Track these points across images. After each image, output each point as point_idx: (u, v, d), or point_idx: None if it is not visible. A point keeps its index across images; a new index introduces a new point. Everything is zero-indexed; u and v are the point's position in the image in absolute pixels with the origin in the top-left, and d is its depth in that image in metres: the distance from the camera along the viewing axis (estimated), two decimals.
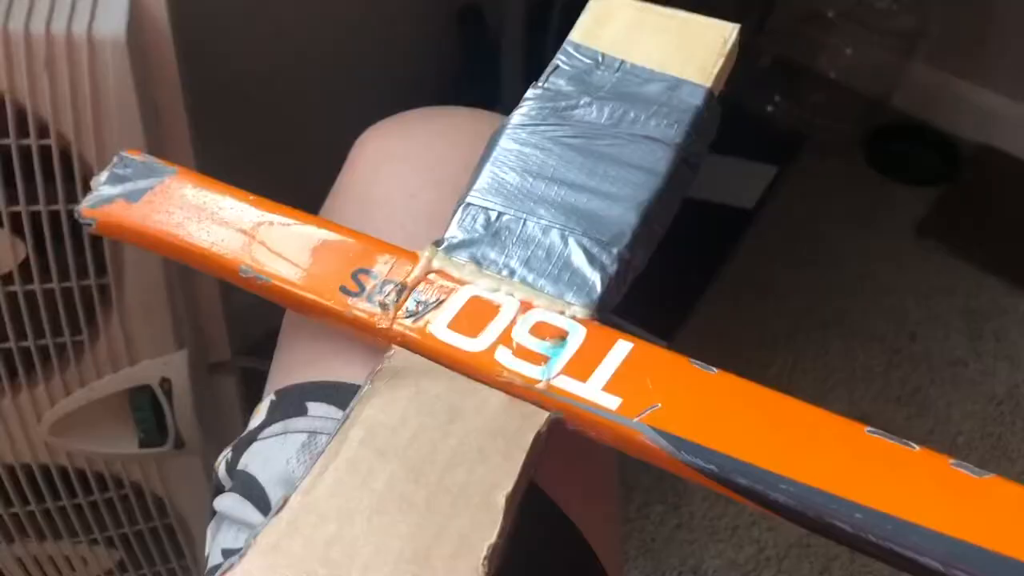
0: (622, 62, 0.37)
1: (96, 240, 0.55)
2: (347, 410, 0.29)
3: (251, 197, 0.35)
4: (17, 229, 0.53)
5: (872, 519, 0.25)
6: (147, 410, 0.61)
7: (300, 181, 0.48)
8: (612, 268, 0.32)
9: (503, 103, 1.13)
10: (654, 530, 1.00)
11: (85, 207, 0.35)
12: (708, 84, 0.36)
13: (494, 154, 0.35)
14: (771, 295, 1.21)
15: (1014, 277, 1.23)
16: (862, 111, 1.43)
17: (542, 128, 0.36)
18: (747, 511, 1.00)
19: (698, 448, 0.28)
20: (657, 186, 0.33)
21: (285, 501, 0.28)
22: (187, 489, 0.68)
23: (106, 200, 0.35)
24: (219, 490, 0.37)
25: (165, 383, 0.60)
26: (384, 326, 0.31)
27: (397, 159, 0.42)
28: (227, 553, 0.34)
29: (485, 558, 0.26)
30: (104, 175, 0.36)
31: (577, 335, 0.31)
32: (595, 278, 0.32)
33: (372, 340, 0.32)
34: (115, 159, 0.37)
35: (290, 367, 0.37)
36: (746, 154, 1.34)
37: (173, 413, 0.62)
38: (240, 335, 0.70)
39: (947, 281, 1.23)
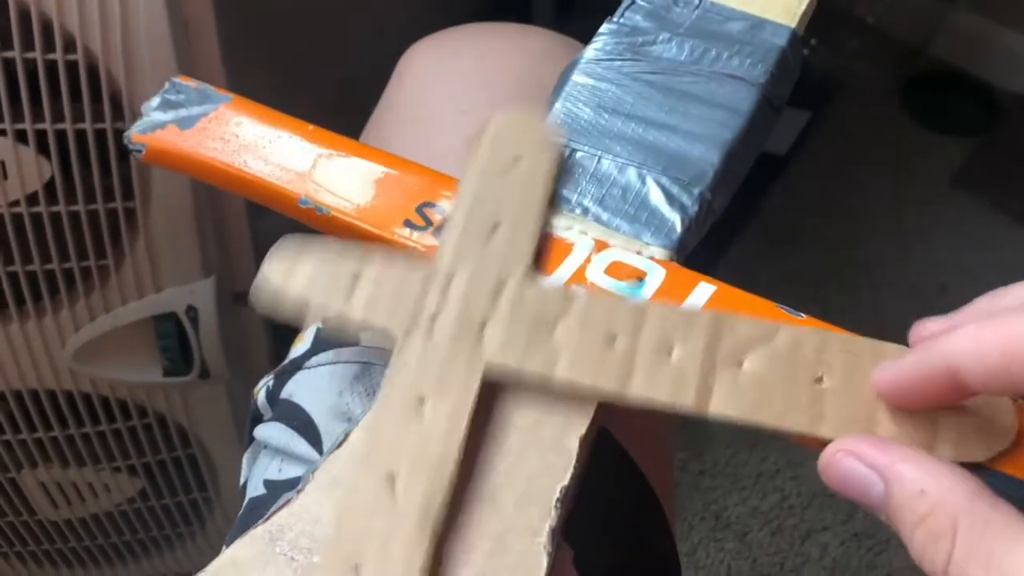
0: (701, 0, 0.36)
1: (123, 162, 0.53)
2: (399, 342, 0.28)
3: (310, 127, 0.34)
4: (43, 148, 0.51)
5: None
6: (172, 338, 0.60)
7: (333, 102, 0.46)
8: (693, 209, 0.30)
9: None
10: (677, 476, 0.99)
11: (135, 132, 0.34)
12: (793, 25, 0.34)
13: (566, 89, 0.34)
14: (802, 243, 1.19)
15: None
16: (900, 57, 1.39)
17: (618, 63, 0.34)
18: (771, 459, 0.99)
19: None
20: (740, 125, 0.32)
21: (346, 436, 0.27)
22: (211, 419, 0.67)
23: (157, 125, 0.34)
24: (257, 418, 0.36)
25: (191, 311, 0.59)
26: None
27: (447, 75, 0.40)
28: (269, 484, 0.33)
29: (558, 500, 0.25)
30: (155, 100, 0.35)
31: (656, 276, 0.30)
32: (675, 219, 0.30)
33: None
34: (167, 84, 0.36)
35: None
36: None
37: (199, 342, 0.61)
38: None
39: (981, 233, 1.20)
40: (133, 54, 0.49)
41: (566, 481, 0.26)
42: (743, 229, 1.18)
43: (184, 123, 0.34)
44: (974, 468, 0.24)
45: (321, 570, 0.25)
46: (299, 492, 0.26)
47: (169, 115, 0.34)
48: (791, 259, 1.16)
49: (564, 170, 0.32)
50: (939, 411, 0.25)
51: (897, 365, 0.24)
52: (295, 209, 0.32)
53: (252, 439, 0.37)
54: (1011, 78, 1.37)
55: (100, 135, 0.51)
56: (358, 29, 1.01)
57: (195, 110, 0.34)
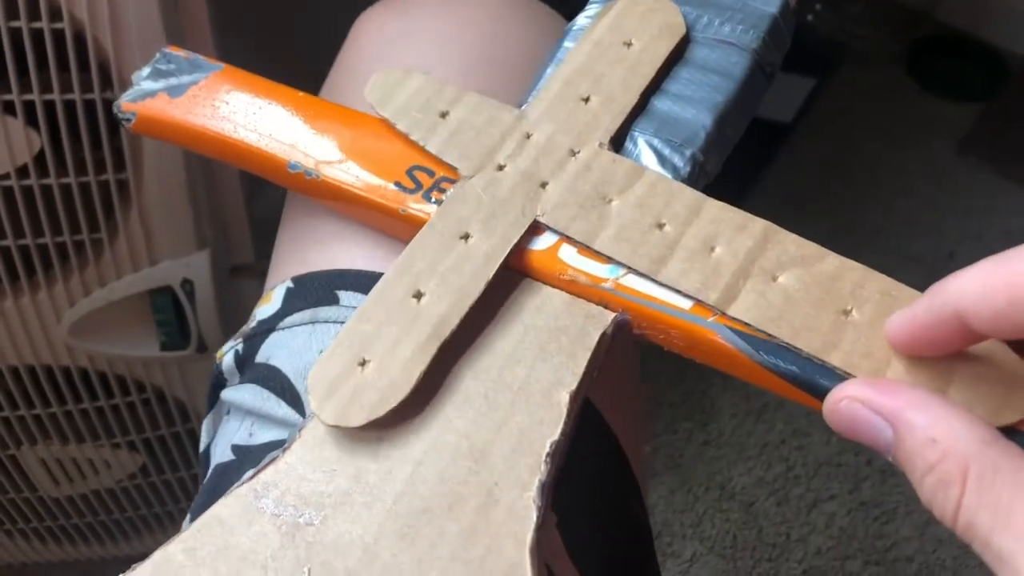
0: None
1: (114, 134, 0.52)
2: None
3: (300, 95, 0.34)
4: (32, 120, 0.50)
5: None
6: (169, 312, 0.60)
7: (324, 69, 0.45)
8: (685, 170, 0.31)
9: None
10: (682, 447, 0.99)
11: (125, 101, 0.34)
12: None
13: (559, 55, 0.34)
14: (807, 210, 1.18)
15: None
16: (906, 22, 1.37)
17: None
18: (777, 429, 0.99)
19: (777, 348, 0.26)
20: (732, 89, 0.32)
21: None
22: None
23: (148, 94, 0.34)
24: (220, 384, 0.35)
25: (187, 284, 0.59)
26: None
27: (402, 36, 0.39)
28: (238, 450, 0.33)
29: (548, 455, 0.25)
30: (146, 70, 0.35)
31: None
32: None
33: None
34: (157, 55, 0.36)
35: (306, 253, 0.35)
36: (783, 65, 1.29)
37: (195, 316, 0.60)
38: (264, 241, 0.68)
39: (988, 200, 1.19)
40: (120, 22, 0.48)
41: (556, 435, 0.26)
42: (748, 196, 1.17)
43: (174, 91, 0.34)
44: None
45: (328, 359, 0.26)
46: (285, 450, 0.26)
47: (160, 84, 0.35)
48: (796, 226, 1.14)
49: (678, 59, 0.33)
50: (955, 365, 0.25)
51: (909, 311, 0.24)
52: (284, 175, 0.32)
53: (214, 404, 0.36)
54: (1019, 42, 1.35)
55: (89, 105, 0.50)
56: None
57: (185, 79, 0.35)
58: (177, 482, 0.72)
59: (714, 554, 0.92)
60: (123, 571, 0.25)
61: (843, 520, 0.93)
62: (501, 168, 0.30)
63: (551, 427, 0.26)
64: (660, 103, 0.32)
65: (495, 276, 0.28)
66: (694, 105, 0.32)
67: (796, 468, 0.97)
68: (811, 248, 0.27)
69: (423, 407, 0.26)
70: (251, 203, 0.63)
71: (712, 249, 0.28)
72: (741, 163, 0.34)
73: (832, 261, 0.27)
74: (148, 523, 0.77)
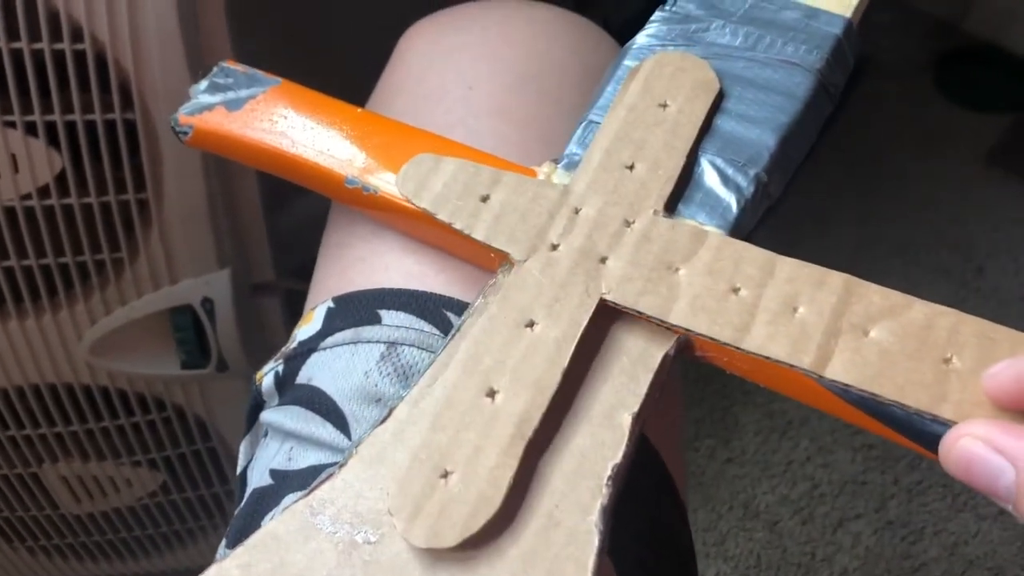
0: None
1: (134, 154, 0.52)
2: (458, 323, 0.28)
3: (357, 111, 0.34)
4: (53, 140, 0.51)
5: None
6: (189, 331, 0.60)
7: (346, 88, 0.45)
8: (749, 190, 0.30)
9: None
10: (704, 464, 0.97)
11: (182, 114, 0.35)
12: (848, 15, 0.34)
13: (618, 73, 0.34)
14: (831, 223, 1.16)
15: None
16: (932, 33, 1.36)
17: (671, 48, 0.34)
18: (802, 447, 0.98)
19: None
20: (796, 110, 0.32)
21: (391, 412, 0.27)
22: (230, 412, 0.67)
23: (205, 107, 0.35)
24: (259, 405, 0.35)
25: (207, 303, 0.59)
26: None
27: (450, 50, 0.39)
28: (277, 475, 0.32)
29: (609, 478, 0.25)
30: (204, 83, 0.36)
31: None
32: (730, 199, 0.30)
33: (483, 255, 0.31)
34: (215, 69, 0.36)
35: (346, 272, 0.35)
36: None
37: (215, 334, 0.60)
38: (285, 260, 0.68)
39: (1018, 212, 1.17)
40: (141, 42, 0.49)
41: (619, 458, 0.25)
42: (772, 210, 1.16)
43: (232, 105, 0.35)
44: None
45: (409, 475, 0.25)
46: (341, 467, 0.26)
47: (217, 98, 0.35)
48: (822, 239, 1.14)
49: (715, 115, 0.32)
50: None
51: (1018, 367, 0.23)
52: (341, 190, 0.33)
53: (252, 425, 0.36)
54: None
55: (110, 126, 0.51)
56: (370, 12, 1.00)
57: (243, 93, 0.35)
58: (197, 500, 0.72)
59: (738, 574, 0.91)
60: None
61: (869, 540, 0.92)
62: (555, 247, 0.29)
63: (613, 450, 0.26)
64: (723, 123, 0.32)
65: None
66: (758, 125, 0.32)
67: (821, 486, 0.95)
68: (897, 297, 0.26)
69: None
70: (270, 220, 0.63)
71: (795, 309, 0.26)
72: None
73: (920, 308, 0.26)
74: (169, 541, 0.77)
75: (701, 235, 0.28)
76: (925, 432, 0.25)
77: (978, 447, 0.22)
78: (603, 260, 0.28)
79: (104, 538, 0.74)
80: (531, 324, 0.27)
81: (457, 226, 0.30)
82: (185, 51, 0.49)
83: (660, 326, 0.28)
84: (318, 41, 0.93)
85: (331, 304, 0.34)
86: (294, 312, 0.67)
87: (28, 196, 0.51)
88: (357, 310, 0.33)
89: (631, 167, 0.30)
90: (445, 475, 0.25)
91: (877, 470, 0.96)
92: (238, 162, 0.36)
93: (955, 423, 0.24)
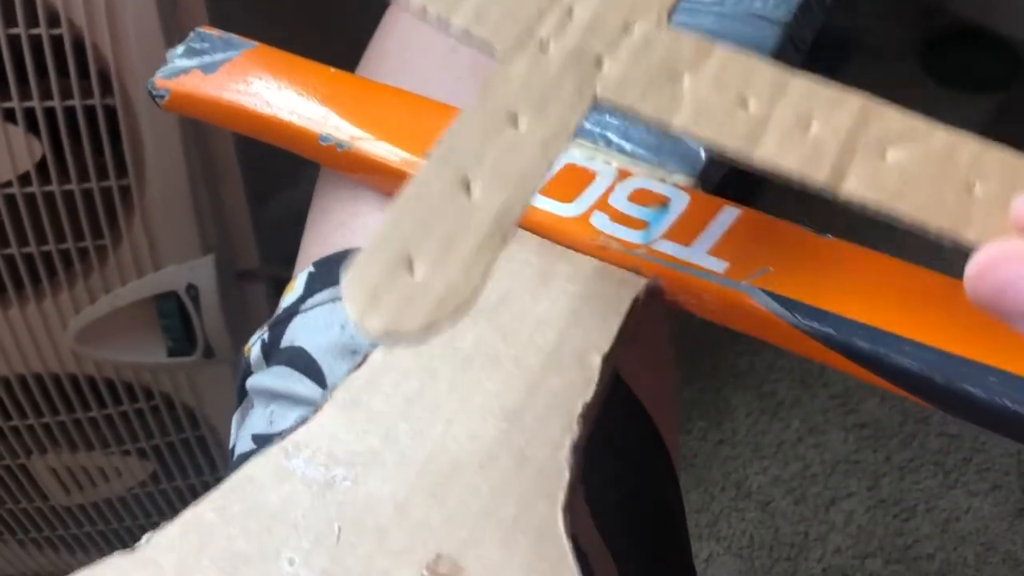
0: None
1: (115, 140, 0.52)
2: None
3: (332, 70, 0.35)
4: (32, 127, 0.50)
5: (1008, 383, 0.24)
6: (174, 318, 0.60)
7: (331, 50, 0.45)
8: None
9: None
10: (696, 446, 0.98)
11: (159, 78, 0.35)
12: None
13: None
14: (820, 206, 1.16)
15: None
16: (918, 14, 1.36)
17: None
18: (793, 427, 0.98)
19: (814, 311, 0.26)
20: None
21: (365, 358, 0.27)
22: (218, 400, 0.67)
23: (181, 71, 0.35)
24: (248, 374, 0.35)
25: (192, 290, 0.59)
26: None
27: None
28: (258, 439, 0.33)
29: (580, 416, 0.25)
30: (180, 48, 0.36)
31: (680, 201, 0.30)
32: (699, 148, 0.31)
33: None
34: (191, 34, 0.37)
35: (326, 237, 0.36)
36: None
37: (201, 321, 0.60)
38: (269, 251, 0.68)
39: None
40: (118, 27, 0.48)
41: (588, 397, 0.26)
42: (760, 194, 1.16)
43: (208, 68, 0.35)
44: None
45: (365, 263, 0.22)
46: (317, 411, 0.26)
47: (193, 61, 0.36)
48: (809, 221, 1.14)
49: None
50: None
51: None
52: (316, 148, 0.33)
53: (243, 397, 0.36)
54: None
55: (90, 111, 0.51)
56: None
57: (219, 56, 0.36)
58: (188, 488, 0.72)
59: (731, 554, 0.91)
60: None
61: (862, 518, 0.92)
62: (544, 46, 0.26)
63: (583, 389, 0.26)
64: None
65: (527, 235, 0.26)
66: None
67: (813, 466, 0.96)
68: (918, 122, 0.24)
69: (454, 372, 0.26)
70: (254, 205, 0.63)
71: (809, 126, 0.24)
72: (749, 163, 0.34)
73: (942, 135, 0.24)
74: None
75: (708, 47, 0.26)
76: (890, 365, 0.25)
77: (1014, 267, 0.20)
78: (599, 62, 0.25)
79: (95, 529, 0.74)
80: (514, 121, 0.24)
81: (433, 10, 0.26)
82: (164, 35, 0.49)
83: (631, 271, 0.28)
84: (309, 21, 0.93)
85: (312, 269, 0.35)
86: (280, 299, 0.67)
87: (8, 184, 0.51)
88: (335, 271, 0.34)
89: None
90: (410, 266, 0.22)
91: (869, 449, 0.96)
92: (219, 146, 0.36)
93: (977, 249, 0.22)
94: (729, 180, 0.33)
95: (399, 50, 0.39)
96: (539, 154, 0.24)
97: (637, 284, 0.28)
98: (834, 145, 0.24)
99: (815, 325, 0.26)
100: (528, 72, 0.25)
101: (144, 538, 0.25)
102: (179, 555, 0.24)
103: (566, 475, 0.24)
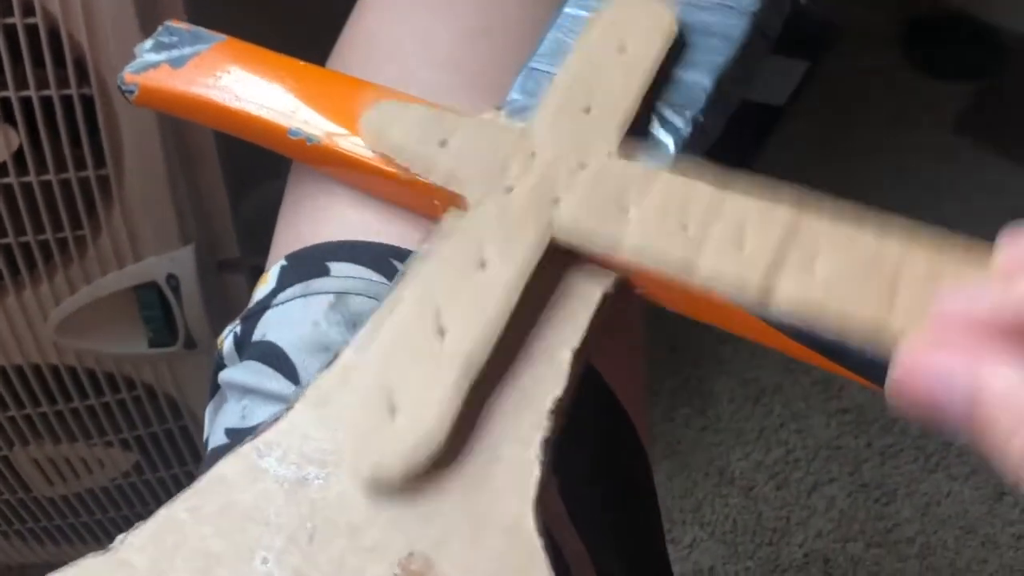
0: None
1: (93, 130, 0.52)
2: (402, 269, 0.29)
3: (301, 64, 0.34)
4: (9, 117, 0.50)
5: None
6: (155, 308, 0.60)
7: (304, 43, 0.45)
8: (686, 131, 0.31)
9: None
10: (680, 433, 0.98)
11: (128, 73, 0.35)
12: None
13: (559, 20, 0.34)
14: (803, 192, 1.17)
15: None
16: (900, 1, 1.36)
17: None
18: (775, 413, 0.99)
19: None
20: (732, 52, 0.32)
21: (336, 356, 0.27)
22: (200, 390, 0.67)
23: (150, 65, 0.35)
24: (221, 367, 0.35)
25: (172, 280, 0.59)
26: (440, 186, 0.30)
27: (407, 4, 0.39)
28: (231, 433, 0.33)
29: (550, 411, 0.26)
30: (148, 43, 0.36)
31: None
32: (668, 140, 0.31)
33: (426, 203, 0.31)
34: (160, 28, 0.36)
35: (298, 230, 0.36)
36: (776, 48, 1.28)
37: (182, 311, 0.60)
38: (249, 243, 0.68)
39: (987, 180, 1.18)
40: (94, 16, 0.48)
41: (559, 392, 0.26)
42: (711, 151, 1.17)
43: (176, 63, 0.35)
44: None
45: (356, 410, 0.25)
46: (288, 410, 0.26)
47: (162, 55, 0.35)
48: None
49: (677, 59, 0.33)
50: None
51: (971, 296, 0.20)
52: (285, 142, 0.33)
53: (216, 390, 0.36)
54: (1015, 20, 1.34)
55: (67, 101, 0.50)
56: None
57: (187, 50, 0.35)
58: (171, 479, 0.72)
59: (714, 539, 0.92)
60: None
61: (844, 503, 0.93)
62: (510, 190, 0.29)
63: (553, 384, 0.26)
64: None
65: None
66: (694, 67, 0.32)
67: (795, 452, 0.96)
68: (844, 226, 0.26)
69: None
70: (239, 202, 0.63)
71: (742, 243, 0.27)
72: (734, 146, 0.35)
73: (868, 236, 0.26)
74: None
75: (653, 175, 0.29)
76: (855, 356, 0.25)
77: (927, 362, 0.20)
78: (556, 201, 0.29)
79: (79, 520, 0.74)
80: (483, 264, 0.28)
81: (414, 171, 0.30)
82: (140, 24, 0.49)
83: (602, 266, 0.28)
84: (283, 7, 0.92)
85: (284, 262, 0.35)
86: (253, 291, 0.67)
87: None
88: (307, 264, 0.34)
89: (587, 110, 0.31)
90: (393, 412, 0.25)
91: (851, 434, 0.97)
92: (197, 136, 0.36)
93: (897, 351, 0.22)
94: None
95: (370, 41, 0.39)
96: (504, 295, 0.27)
97: (607, 278, 0.28)
98: (765, 260, 0.26)
99: (780, 319, 0.26)
100: (494, 217, 0.28)
101: (118, 539, 0.25)
102: (152, 556, 0.24)
103: (537, 471, 0.25)
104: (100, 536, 0.77)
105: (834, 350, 0.25)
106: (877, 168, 1.20)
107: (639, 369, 0.39)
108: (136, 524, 0.25)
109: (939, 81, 1.30)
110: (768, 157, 1.19)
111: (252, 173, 0.67)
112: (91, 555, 0.25)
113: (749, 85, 0.34)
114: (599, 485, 0.33)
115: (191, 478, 0.73)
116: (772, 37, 0.34)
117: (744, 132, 1.21)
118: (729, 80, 0.32)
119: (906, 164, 1.21)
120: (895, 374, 0.21)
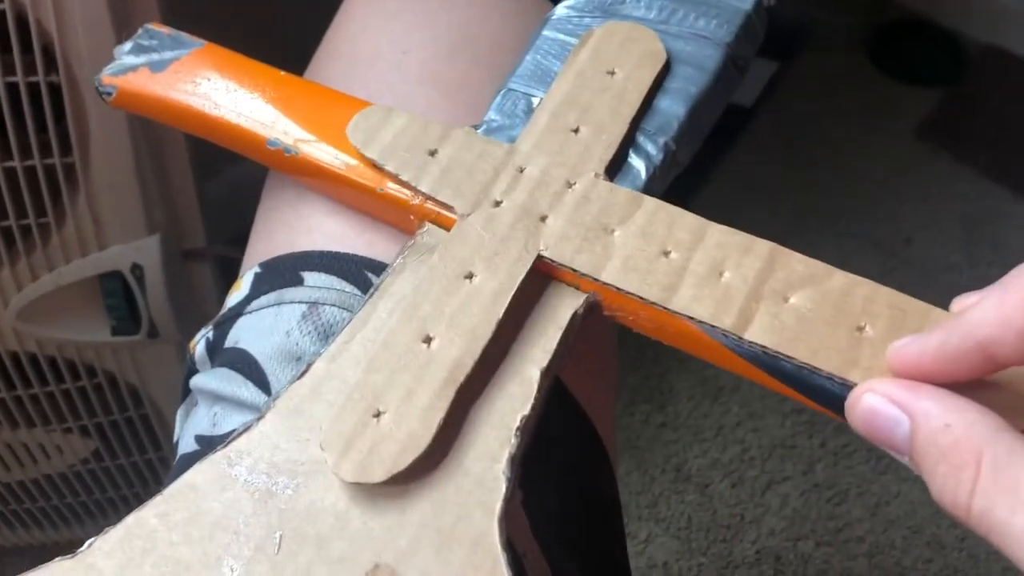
0: None
1: (59, 117, 0.51)
2: (377, 283, 0.29)
3: (281, 74, 0.35)
4: None
5: None
6: (119, 297, 0.59)
7: (278, 53, 0.45)
8: (657, 157, 0.31)
9: None
10: (639, 429, 0.99)
11: (106, 75, 0.35)
12: None
13: (537, 43, 0.35)
14: (766, 195, 1.18)
15: (1015, 184, 1.20)
16: (867, 6, 1.38)
17: (588, 20, 0.35)
18: (732, 412, 1.00)
19: None
20: (706, 82, 0.33)
21: (309, 367, 0.28)
22: (162, 379, 0.66)
23: (129, 68, 0.35)
24: (193, 373, 0.35)
25: (137, 269, 0.58)
26: (417, 203, 0.31)
27: (388, 16, 0.39)
28: (201, 440, 0.33)
29: (518, 429, 0.26)
30: (127, 45, 0.36)
31: None
32: (640, 166, 0.31)
33: (402, 217, 0.32)
34: (140, 31, 0.36)
35: (273, 237, 0.36)
36: None
37: (146, 300, 0.60)
38: (216, 226, 0.67)
39: (947, 186, 1.21)
40: (63, 2, 0.48)
41: (527, 411, 0.27)
42: (710, 180, 1.18)
43: (156, 67, 0.35)
44: None
45: (342, 413, 0.26)
46: (260, 419, 0.27)
47: (141, 59, 0.35)
48: (755, 211, 1.16)
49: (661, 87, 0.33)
50: (969, 385, 0.24)
51: (920, 342, 0.24)
52: (263, 152, 0.33)
53: (187, 393, 0.36)
54: (979, 28, 1.36)
55: (33, 88, 0.50)
56: None
57: (168, 55, 0.35)
58: (131, 466, 0.72)
59: (669, 535, 0.93)
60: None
61: (796, 501, 0.95)
62: (498, 204, 0.30)
63: (522, 402, 0.27)
64: None
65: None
66: (668, 95, 0.33)
67: (751, 450, 0.98)
68: (818, 266, 0.27)
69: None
70: (201, 186, 0.62)
71: (721, 274, 0.28)
72: (702, 147, 0.35)
73: (839, 278, 0.27)
74: (102, 507, 0.76)
75: (638, 199, 0.29)
76: (812, 385, 0.26)
77: (877, 401, 0.23)
78: (543, 219, 0.29)
79: (35, 505, 0.73)
80: (470, 276, 0.28)
81: (404, 177, 0.30)
82: (110, 12, 0.49)
83: (578, 287, 0.29)
84: (259, 6, 0.92)
85: (258, 269, 0.35)
86: (226, 279, 0.67)
87: None
88: (281, 273, 0.34)
89: (576, 130, 0.31)
90: (377, 414, 0.26)
91: (805, 434, 0.99)
92: (166, 126, 0.36)
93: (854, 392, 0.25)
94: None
95: (350, 51, 0.39)
96: (489, 306, 0.28)
97: (576, 299, 0.29)
98: (743, 291, 0.27)
99: (743, 346, 0.27)
100: (482, 229, 0.29)
101: (86, 543, 0.25)
102: (120, 561, 0.25)
103: (503, 487, 0.25)
104: (57, 522, 0.76)
105: (799, 382, 0.26)
106: (840, 169, 1.22)
107: (609, 383, 0.39)
108: (105, 529, 0.25)
109: (904, 86, 1.32)
110: (736, 156, 1.21)
111: (213, 159, 0.67)
112: (58, 559, 0.25)
113: (718, 114, 0.34)
114: (563, 498, 0.34)
115: (150, 466, 0.72)
116: (744, 68, 0.34)
117: (714, 132, 1.21)
118: (702, 110, 0.33)
119: (868, 166, 1.23)
120: (854, 403, 0.24)
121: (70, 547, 0.26)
